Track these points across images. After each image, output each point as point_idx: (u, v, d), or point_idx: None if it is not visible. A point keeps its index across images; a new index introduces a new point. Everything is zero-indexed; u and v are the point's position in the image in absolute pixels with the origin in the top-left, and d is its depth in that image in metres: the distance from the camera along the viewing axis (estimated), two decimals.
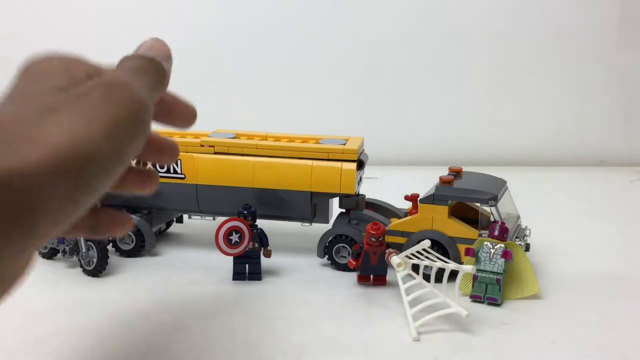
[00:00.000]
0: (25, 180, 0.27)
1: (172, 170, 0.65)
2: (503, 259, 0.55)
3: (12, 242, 0.28)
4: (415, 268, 0.54)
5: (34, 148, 0.28)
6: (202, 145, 0.65)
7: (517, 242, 0.58)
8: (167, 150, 0.43)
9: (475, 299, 0.55)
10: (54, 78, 0.33)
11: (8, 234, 0.28)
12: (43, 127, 0.29)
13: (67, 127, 0.30)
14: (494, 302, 0.54)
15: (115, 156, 0.32)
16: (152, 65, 0.39)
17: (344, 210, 0.65)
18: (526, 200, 0.68)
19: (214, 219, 0.71)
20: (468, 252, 0.56)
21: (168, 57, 0.42)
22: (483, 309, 0.54)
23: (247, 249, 0.59)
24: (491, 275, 0.55)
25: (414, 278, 0.54)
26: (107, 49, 1.06)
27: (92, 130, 0.30)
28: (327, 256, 0.63)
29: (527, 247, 0.60)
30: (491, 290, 0.55)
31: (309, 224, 0.66)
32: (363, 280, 0.59)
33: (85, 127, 0.30)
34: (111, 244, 0.66)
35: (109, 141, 0.31)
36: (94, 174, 0.30)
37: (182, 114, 0.43)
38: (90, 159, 0.30)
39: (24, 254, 0.29)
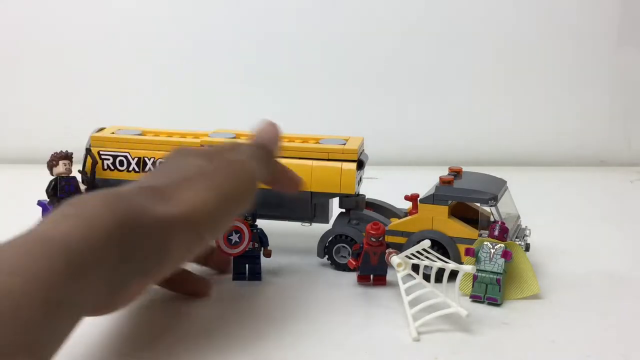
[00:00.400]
0: (166, 226, 0.40)
1: None
2: (503, 259, 0.55)
3: (144, 271, 0.39)
4: (416, 268, 0.54)
5: (175, 205, 0.41)
6: (202, 145, 0.65)
7: (517, 242, 0.58)
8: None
9: (475, 299, 0.55)
10: (192, 158, 0.47)
11: (145, 264, 0.39)
12: (181, 191, 0.42)
13: (199, 192, 0.43)
14: (494, 302, 0.55)
15: (225, 217, 0.45)
16: (264, 151, 0.52)
17: (344, 210, 0.65)
18: (526, 200, 0.68)
19: None
20: (468, 252, 0.56)
21: (277, 140, 0.54)
22: (483, 309, 0.54)
23: (247, 249, 0.59)
24: (491, 275, 0.55)
25: (414, 278, 0.54)
26: (107, 49, 1.06)
27: (214, 196, 0.43)
28: (327, 256, 0.63)
29: (527, 247, 0.60)
30: (491, 290, 0.55)
31: (309, 224, 0.66)
32: (363, 280, 0.59)
33: (210, 194, 0.43)
34: None
35: (224, 205, 0.44)
36: (209, 229, 0.43)
37: (289, 183, 0.56)
38: (210, 216, 0.42)
39: (142, 285, 0.40)
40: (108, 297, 0.37)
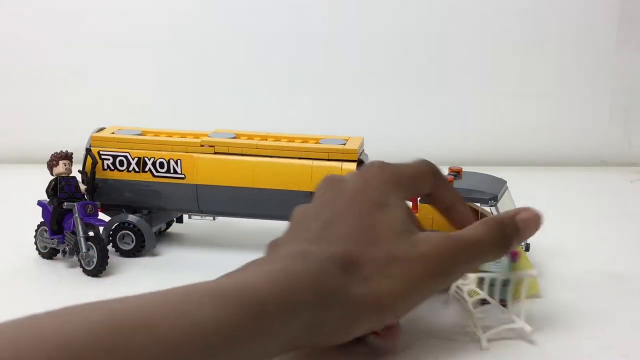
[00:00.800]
0: (355, 309, 0.38)
1: (172, 170, 0.65)
2: (508, 259, 0.54)
3: (319, 340, 0.39)
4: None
5: (369, 290, 0.39)
6: (202, 145, 0.65)
7: None
8: None
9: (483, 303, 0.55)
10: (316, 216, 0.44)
11: (323, 335, 0.39)
12: (380, 278, 0.40)
13: (397, 286, 0.40)
14: (504, 304, 0.54)
15: (416, 306, 0.43)
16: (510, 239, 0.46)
17: None
18: (526, 200, 0.68)
19: (214, 219, 0.71)
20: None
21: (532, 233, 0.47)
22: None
23: None
24: (499, 277, 0.54)
25: (479, 293, 0.51)
26: (107, 49, 1.06)
27: (415, 294, 0.42)
28: None
29: (527, 247, 0.60)
30: (501, 292, 0.54)
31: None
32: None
33: (411, 292, 0.42)
34: (111, 244, 0.66)
35: (420, 300, 0.43)
36: (397, 316, 0.41)
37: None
38: (403, 310, 0.41)
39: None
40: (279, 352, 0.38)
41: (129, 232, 0.66)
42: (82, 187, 0.64)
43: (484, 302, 0.50)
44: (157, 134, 0.68)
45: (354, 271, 0.39)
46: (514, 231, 0.46)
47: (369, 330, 0.41)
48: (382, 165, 0.46)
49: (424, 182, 0.48)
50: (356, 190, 0.44)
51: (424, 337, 0.48)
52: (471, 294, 0.51)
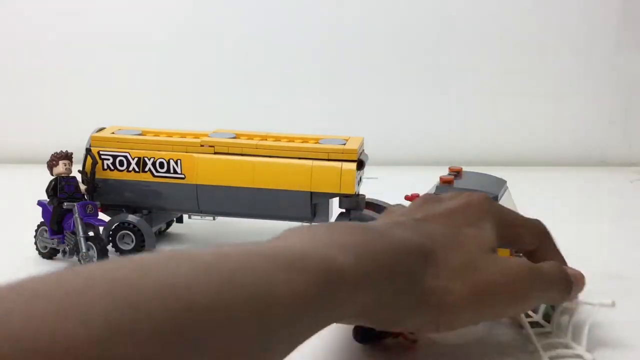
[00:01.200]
0: (415, 303, 0.39)
1: (172, 170, 0.65)
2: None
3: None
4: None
5: (438, 290, 0.39)
6: (202, 145, 0.65)
7: None
8: None
9: None
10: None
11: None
12: (454, 279, 0.40)
13: (465, 296, 0.40)
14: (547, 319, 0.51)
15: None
16: (560, 281, 0.46)
17: (344, 210, 0.65)
18: (526, 200, 0.68)
19: (214, 219, 0.71)
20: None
21: (576, 290, 0.47)
22: None
23: None
24: None
25: (532, 317, 0.49)
26: (107, 49, 1.06)
27: (476, 317, 0.42)
28: None
29: None
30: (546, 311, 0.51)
31: (309, 224, 0.66)
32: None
33: (479, 314, 0.42)
34: (111, 244, 0.66)
35: (478, 321, 0.43)
36: (449, 329, 0.41)
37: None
38: (457, 324, 0.41)
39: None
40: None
41: (129, 232, 0.66)
42: (82, 187, 0.64)
43: (534, 325, 0.49)
44: (157, 134, 0.68)
45: (433, 264, 0.39)
46: (574, 280, 0.47)
47: (420, 327, 0.41)
48: (489, 199, 0.47)
49: (529, 236, 0.48)
50: (456, 206, 0.45)
51: (485, 355, 0.47)
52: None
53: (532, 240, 0.48)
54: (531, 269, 0.43)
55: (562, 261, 0.49)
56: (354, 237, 0.37)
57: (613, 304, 0.48)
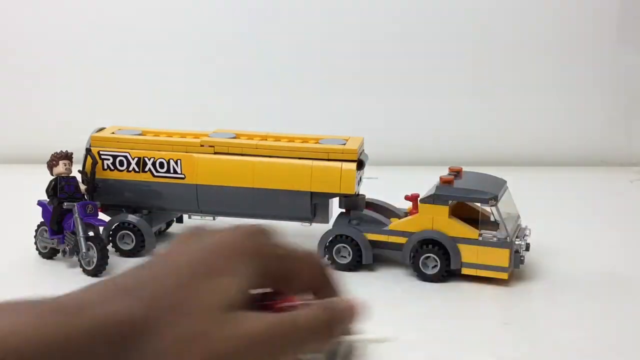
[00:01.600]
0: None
1: (172, 170, 0.65)
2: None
3: None
4: None
5: None
6: (202, 145, 0.65)
7: (517, 242, 0.58)
8: None
9: None
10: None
11: None
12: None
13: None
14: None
15: None
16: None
17: (344, 210, 0.65)
18: (526, 200, 0.68)
19: (214, 218, 0.70)
20: None
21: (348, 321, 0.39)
22: (483, 308, 0.54)
23: None
24: None
25: None
26: (107, 49, 1.06)
27: None
28: (327, 256, 0.63)
29: (527, 247, 0.60)
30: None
31: (309, 224, 0.66)
32: None
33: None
34: (111, 244, 0.66)
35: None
36: None
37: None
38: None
39: None
40: None
41: (129, 232, 0.66)
42: (82, 187, 0.64)
43: None
44: (157, 134, 0.68)
45: (152, 339, 0.31)
46: (341, 317, 0.39)
47: None
48: (254, 232, 0.38)
49: (309, 270, 0.39)
50: (202, 250, 0.36)
51: None
52: None
53: (313, 275, 0.39)
54: (280, 324, 0.34)
55: (339, 295, 0.41)
56: (24, 320, 0.31)
57: (390, 339, 0.39)
